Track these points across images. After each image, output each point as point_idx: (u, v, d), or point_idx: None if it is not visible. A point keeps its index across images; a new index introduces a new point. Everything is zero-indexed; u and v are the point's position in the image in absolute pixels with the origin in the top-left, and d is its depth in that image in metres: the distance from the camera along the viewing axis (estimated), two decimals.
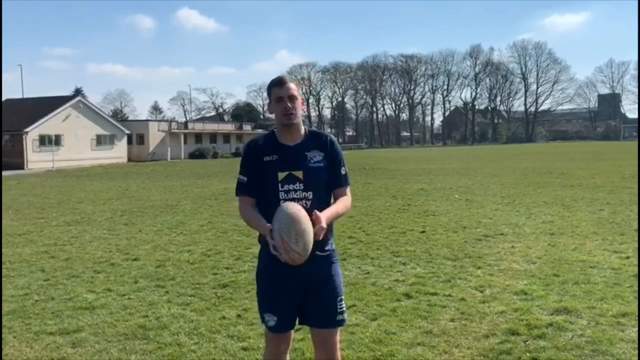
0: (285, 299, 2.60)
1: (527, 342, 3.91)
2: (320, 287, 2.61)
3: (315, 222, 2.39)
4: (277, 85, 2.59)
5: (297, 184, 2.53)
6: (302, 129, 2.64)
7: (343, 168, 2.65)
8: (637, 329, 4.09)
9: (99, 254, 7.55)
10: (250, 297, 5.04)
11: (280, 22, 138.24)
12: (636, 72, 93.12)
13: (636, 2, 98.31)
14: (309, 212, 2.47)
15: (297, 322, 2.70)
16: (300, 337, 3.93)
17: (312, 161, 2.55)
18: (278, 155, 2.56)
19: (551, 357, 3.65)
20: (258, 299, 2.73)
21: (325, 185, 2.61)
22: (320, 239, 2.42)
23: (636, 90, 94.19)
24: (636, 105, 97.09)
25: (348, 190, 2.69)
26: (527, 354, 3.72)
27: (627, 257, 6.38)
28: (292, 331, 2.76)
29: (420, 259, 6.68)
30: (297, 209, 2.39)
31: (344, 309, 2.68)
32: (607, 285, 5.28)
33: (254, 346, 3.97)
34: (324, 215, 2.44)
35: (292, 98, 2.55)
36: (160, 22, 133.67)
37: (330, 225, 2.60)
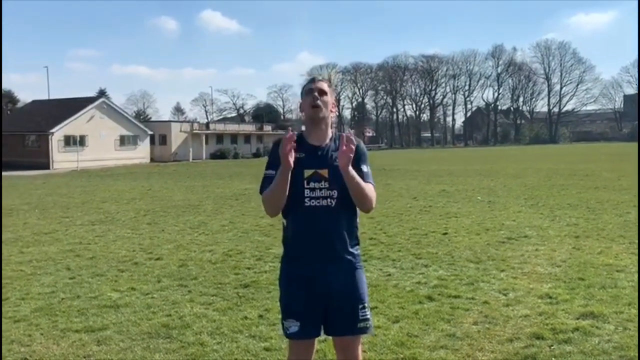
0: (308, 304, 2.55)
1: (552, 347, 3.85)
2: (343, 292, 2.56)
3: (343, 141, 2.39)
4: (309, 82, 2.64)
5: (323, 182, 2.52)
6: (330, 132, 2.63)
7: (365, 166, 2.58)
8: None
9: (122, 253, 7.66)
10: (272, 298, 5.05)
11: (302, 24, 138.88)
12: None
13: None
14: (335, 211, 2.47)
15: (321, 331, 2.63)
16: (322, 339, 3.91)
17: (337, 161, 2.53)
18: (305, 153, 2.54)
19: None
20: (280, 305, 2.68)
21: None
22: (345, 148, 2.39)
23: None
24: None
25: (371, 187, 2.57)
26: (553, 359, 3.66)
27: None
28: (316, 341, 2.68)
29: (443, 261, 6.63)
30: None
31: (368, 316, 2.61)
32: (635, 289, 5.17)
33: (276, 347, 3.98)
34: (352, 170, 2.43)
35: (321, 92, 2.56)
36: (184, 23, 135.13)
37: (355, 227, 2.60)
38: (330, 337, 2.75)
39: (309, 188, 2.52)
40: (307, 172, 2.52)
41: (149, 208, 13.04)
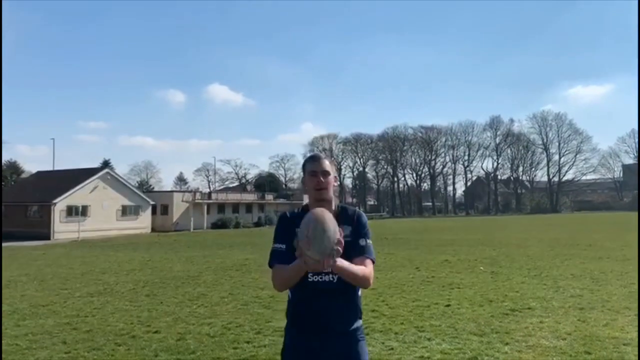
0: None
1: None
2: None
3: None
4: (311, 160, 2.69)
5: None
6: (334, 205, 2.67)
7: (363, 239, 2.60)
8: None
9: (120, 325, 7.53)
10: None
11: (306, 96, 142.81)
12: None
13: None
14: (336, 286, 2.50)
15: None
16: None
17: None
18: None
19: None
20: None
21: (353, 259, 2.55)
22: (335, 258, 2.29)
23: None
24: None
25: (368, 262, 2.58)
26: None
27: None
28: None
29: (446, 334, 6.50)
30: (320, 210, 2.31)
31: None
32: None
33: None
34: (342, 261, 2.36)
35: (325, 173, 2.63)
36: (191, 96, 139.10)
37: (356, 301, 2.61)
38: None
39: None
40: None
41: (148, 279, 12.92)
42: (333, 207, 2.67)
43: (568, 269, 12.60)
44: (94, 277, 13.82)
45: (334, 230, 2.27)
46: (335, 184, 2.71)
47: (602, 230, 29.21)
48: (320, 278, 2.54)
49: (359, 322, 2.63)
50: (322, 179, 2.61)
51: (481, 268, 13.20)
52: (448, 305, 8.33)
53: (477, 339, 6.18)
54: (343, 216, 2.65)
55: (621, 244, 19.11)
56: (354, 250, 2.57)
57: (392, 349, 5.90)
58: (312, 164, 2.66)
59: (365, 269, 2.52)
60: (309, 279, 2.53)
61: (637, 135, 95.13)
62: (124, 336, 6.86)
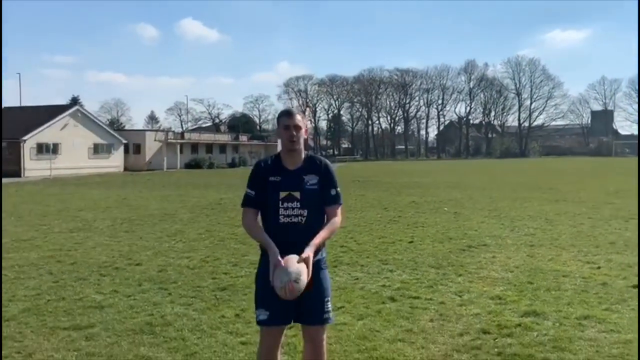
0: (276, 296, 2.93)
1: (496, 340, 4.36)
2: (311, 288, 3.00)
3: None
4: (285, 115, 3.08)
5: (295, 203, 3.00)
6: (302, 154, 3.10)
7: (334, 189, 3.07)
8: (595, 329, 4.56)
9: (103, 258, 7.96)
10: (248, 299, 5.45)
11: (283, 33, 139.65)
12: (628, 90, 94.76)
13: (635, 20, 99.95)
14: (305, 227, 2.96)
15: (291, 320, 3.08)
16: (293, 334, 4.36)
17: (308, 184, 3.01)
18: (281, 177, 3.03)
19: (516, 352, 4.10)
20: (255, 297, 3.12)
21: (319, 204, 3.05)
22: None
23: (628, 107, 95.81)
24: (628, 122, 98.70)
25: (339, 210, 3.09)
26: (495, 349, 4.18)
27: (598, 267, 6.86)
28: (284, 329, 3.14)
29: (407, 266, 7.14)
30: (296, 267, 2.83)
31: (330, 309, 3.09)
32: (575, 292, 5.75)
33: (251, 341, 4.39)
34: (312, 246, 2.90)
35: (297, 127, 3.03)
36: (163, 31, 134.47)
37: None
38: (300, 333, 3.19)
39: (283, 207, 3.00)
40: (282, 194, 3.01)
41: (126, 217, 13.28)
42: (302, 156, 3.10)
43: (526, 210, 13.43)
44: (71, 213, 14.11)
45: (299, 280, 2.82)
46: (305, 137, 3.11)
47: (565, 175, 30.45)
48: (291, 220, 2.98)
49: (323, 254, 3.10)
50: (294, 132, 3.02)
51: (445, 209, 13.95)
52: (411, 242, 8.98)
53: (434, 271, 6.83)
54: (311, 165, 3.08)
55: (578, 188, 20.16)
56: (324, 199, 3.06)
57: (357, 279, 6.50)
58: (286, 118, 3.06)
59: (335, 220, 3.07)
60: (281, 221, 2.98)
61: (605, 82, 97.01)
62: (107, 268, 7.31)
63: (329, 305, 3.09)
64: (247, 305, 5.30)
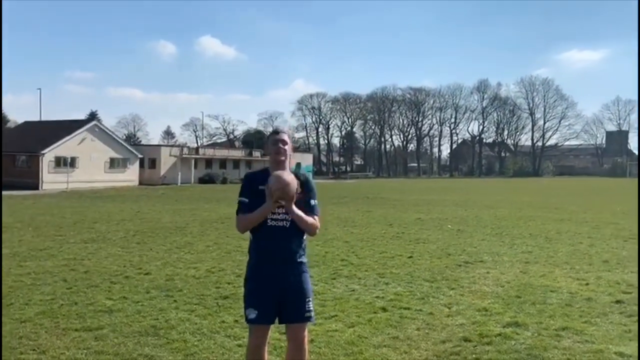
0: (265, 296, 3.36)
1: (475, 347, 4.66)
2: (293, 289, 3.39)
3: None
4: (274, 133, 3.55)
5: (281, 209, 3.38)
6: (288, 169, 3.50)
7: (313, 201, 3.47)
8: (571, 340, 4.84)
9: (114, 268, 8.37)
10: None
11: (299, 52, 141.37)
12: None
13: None
14: (289, 230, 3.34)
15: (276, 319, 3.43)
16: (281, 332, 4.69)
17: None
18: None
19: (492, 358, 4.40)
20: (244, 297, 3.51)
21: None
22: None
23: None
24: None
25: (317, 218, 3.49)
26: (473, 355, 4.48)
27: (587, 284, 7.11)
28: (270, 327, 3.49)
29: (402, 280, 7.44)
30: (284, 171, 3.35)
31: (311, 308, 3.44)
32: (559, 305, 6.02)
33: (247, 343, 4.73)
34: (298, 210, 3.31)
35: (283, 142, 3.47)
36: (182, 48, 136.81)
37: (303, 243, 3.46)
38: (285, 333, 3.53)
39: (271, 212, 3.37)
40: None
41: (138, 229, 13.73)
42: (287, 168, 3.48)
43: (528, 228, 13.64)
44: (86, 225, 14.60)
45: (293, 181, 3.26)
46: (291, 153, 3.52)
47: (574, 195, 30.46)
48: (277, 223, 3.37)
49: (304, 259, 3.48)
50: (281, 145, 3.45)
51: (449, 226, 14.21)
52: (410, 257, 9.28)
53: (428, 284, 7.13)
54: (295, 178, 3.45)
55: (585, 208, 20.26)
56: (304, 208, 3.43)
57: (353, 290, 6.82)
58: (274, 135, 3.52)
59: (314, 221, 3.44)
60: (268, 224, 3.36)
61: (619, 103, 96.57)
62: (118, 276, 7.71)
63: (311, 306, 3.44)
64: None
